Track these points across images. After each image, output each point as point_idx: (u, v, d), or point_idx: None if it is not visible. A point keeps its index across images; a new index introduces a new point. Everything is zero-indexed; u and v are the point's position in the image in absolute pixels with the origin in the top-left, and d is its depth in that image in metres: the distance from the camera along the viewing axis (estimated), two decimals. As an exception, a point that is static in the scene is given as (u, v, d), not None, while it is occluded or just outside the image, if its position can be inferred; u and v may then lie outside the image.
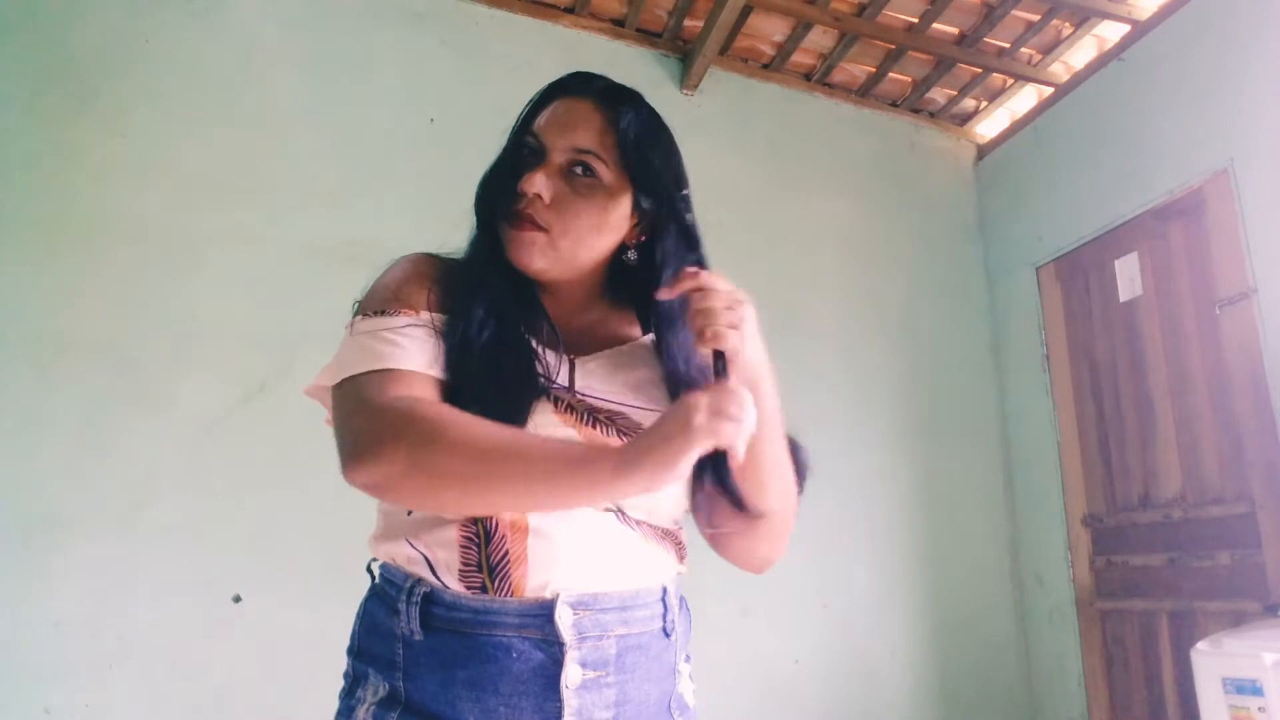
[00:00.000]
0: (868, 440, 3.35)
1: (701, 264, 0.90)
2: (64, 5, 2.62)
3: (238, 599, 2.42)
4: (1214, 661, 2.09)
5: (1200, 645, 2.15)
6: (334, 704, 0.88)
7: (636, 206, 0.92)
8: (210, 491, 2.46)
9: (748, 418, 0.73)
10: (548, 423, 0.84)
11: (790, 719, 3.00)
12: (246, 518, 2.42)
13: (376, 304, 0.87)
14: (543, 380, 0.86)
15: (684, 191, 0.93)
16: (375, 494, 0.81)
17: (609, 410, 0.88)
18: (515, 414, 0.82)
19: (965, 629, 3.34)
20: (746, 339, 0.81)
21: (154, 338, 2.51)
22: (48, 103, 2.55)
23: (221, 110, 2.73)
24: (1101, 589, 3.10)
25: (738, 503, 0.83)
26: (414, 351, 0.83)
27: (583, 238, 0.90)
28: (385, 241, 2.70)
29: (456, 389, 0.83)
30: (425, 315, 0.86)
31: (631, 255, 0.95)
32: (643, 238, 0.94)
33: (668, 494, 0.89)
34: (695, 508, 0.91)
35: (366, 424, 0.78)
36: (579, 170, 0.90)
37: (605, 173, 0.90)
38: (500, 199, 0.92)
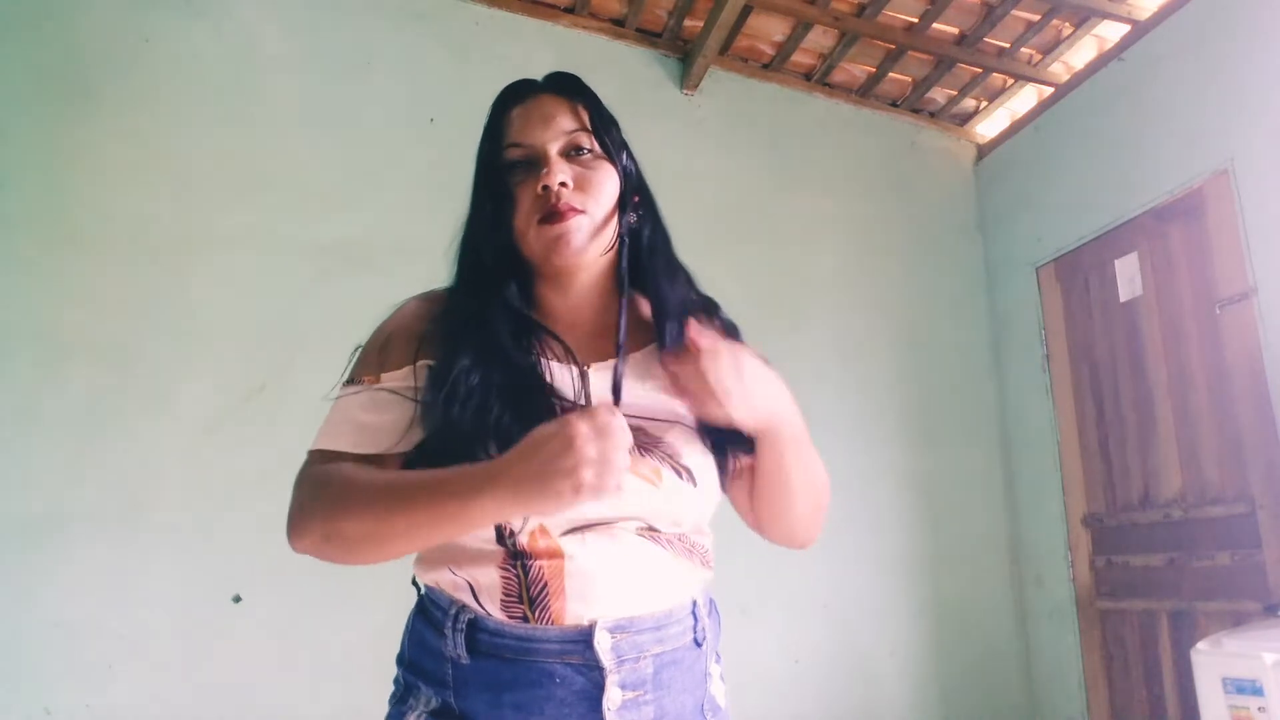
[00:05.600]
0: (868, 440, 3.35)
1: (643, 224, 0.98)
2: (64, 5, 2.62)
3: (238, 599, 2.42)
4: (1214, 661, 2.09)
5: (1200, 645, 2.15)
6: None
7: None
8: (210, 491, 2.46)
9: (623, 453, 0.72)
10: None
11: (790, 719, 3.00)
12: (246, 518, 2.42)
13: (354, 370, 0.92)
14: (554, 404, 0.86)
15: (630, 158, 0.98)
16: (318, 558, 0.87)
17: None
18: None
19: (965, 629, 3.33)
20: (750, 384, 0.82)
21: (154, 338, 2.51)
22: (48, 103, 2.55)
23: (221, 110, 2.73)
24: (1101, 589, 3.10)
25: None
26: (365, 428, 0.87)
27: (610, 204, 0.94)
28: (385, 241, 2.77)
29: (455, 438, 0.83)
30: (405, 371, 0.89)
31: (632, 217, 0.97)
32: (636, 199, 0.98)
33: (689, 501, 0.89)
34: (735, 500, 0.99)
35: (293, 498, 0.87)
36: (574, 151, 0.94)
37: (594, 145, 0.95)
38: (503, 229, 0.93)
